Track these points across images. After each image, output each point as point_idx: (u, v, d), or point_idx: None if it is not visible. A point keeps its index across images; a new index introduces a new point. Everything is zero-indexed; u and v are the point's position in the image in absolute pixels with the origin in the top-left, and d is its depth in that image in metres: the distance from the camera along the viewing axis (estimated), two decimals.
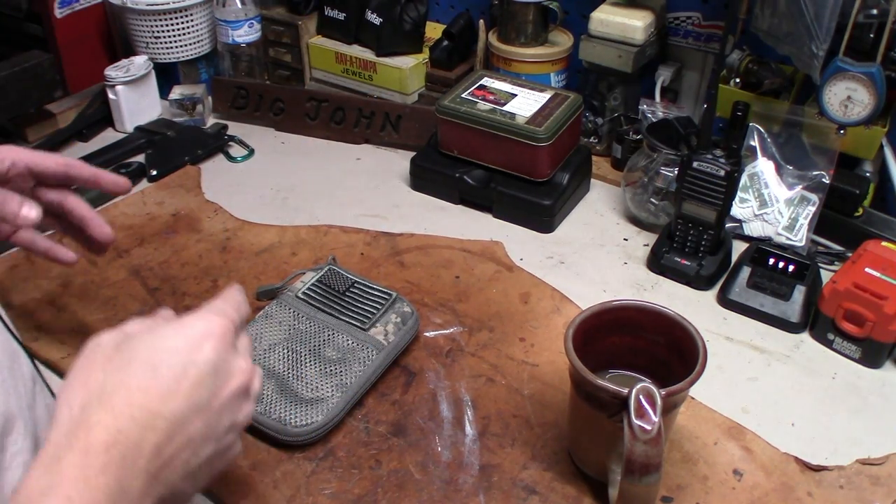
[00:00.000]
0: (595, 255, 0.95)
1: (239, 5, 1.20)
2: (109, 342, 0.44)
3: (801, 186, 0.94)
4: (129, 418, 0.40)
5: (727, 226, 0.94)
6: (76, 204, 0.73)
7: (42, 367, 0.79)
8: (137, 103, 1.18)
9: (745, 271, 0.87)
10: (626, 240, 0.98)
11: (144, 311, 0.84)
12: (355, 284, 0.82)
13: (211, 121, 1.22)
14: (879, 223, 0.93)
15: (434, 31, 1.24)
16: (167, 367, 0.43)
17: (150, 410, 0.41)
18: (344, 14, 1.23)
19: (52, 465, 0.39)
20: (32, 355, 0.59)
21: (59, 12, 1.13)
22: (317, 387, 0.72)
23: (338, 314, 0.79)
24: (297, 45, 1.27)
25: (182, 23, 1.20)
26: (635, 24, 1.01)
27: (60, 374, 0.78)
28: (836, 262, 0.92)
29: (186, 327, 0.45)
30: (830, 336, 0.81)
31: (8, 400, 0.51)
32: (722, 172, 0.84)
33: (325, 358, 0.74)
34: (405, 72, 1.20)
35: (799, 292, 0.84)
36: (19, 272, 0.90)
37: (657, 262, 0.92)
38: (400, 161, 1.12)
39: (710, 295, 0.89)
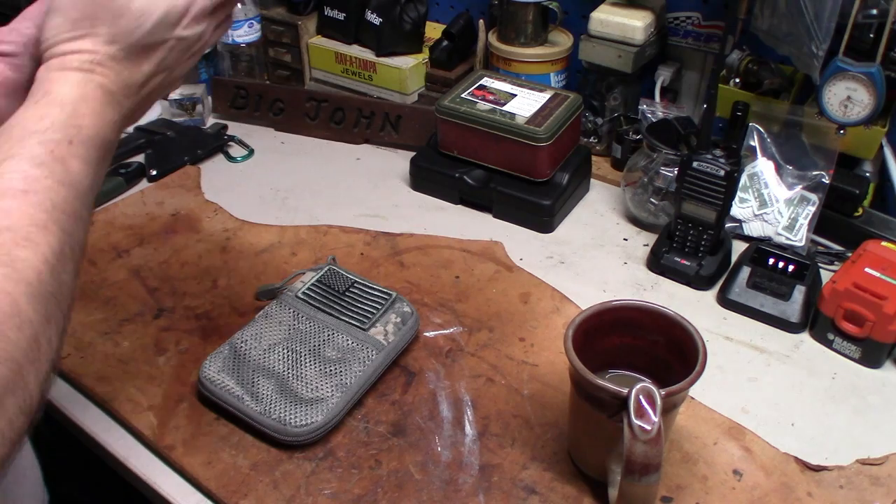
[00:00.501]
0: (595, 255, 0.95)
1: (239, 5, 1.20)
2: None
3: (800, 186, 0.94)
4: (129, 73, 0.53)
5: (727, 226, 0.94)
6: None
7: None
8: None
9: (745, 271, 0.87)
10: (625, 240, 0.98)
11: (144, 311, 0.84)
12: (355, 284, 0.82)
13: (211, 121, 1.22)
14: (879, 223, 0.93)
15: (434, 31, 1.24)
16: (159, 38, 0.53)
17: (139, 70, 0.54)
18: (344, 14, 1.23)
19: (82, 83, 0.50)
20: None
21: None
22: (317, 387, 0.72)
23: (338, 314, 0.79)
24: (296, 45, 1.27)
25: None
26: (635, 24, 1.01)
27: (60, 374, 0.78)
28: (835, 262, 0.92)
29: (179, 2, 0.54)
30: (830, 336, 0.81)
31: None
32: (722, 172, 0.84)
33: (325, 358, 0.74)
34: (405, 72, 1.20)
35: (799, 292, 0.84)
36: None
37: (657, 262, 0.92)
38: (400, 161, 1.12)
39: (710, 295, 0.89)
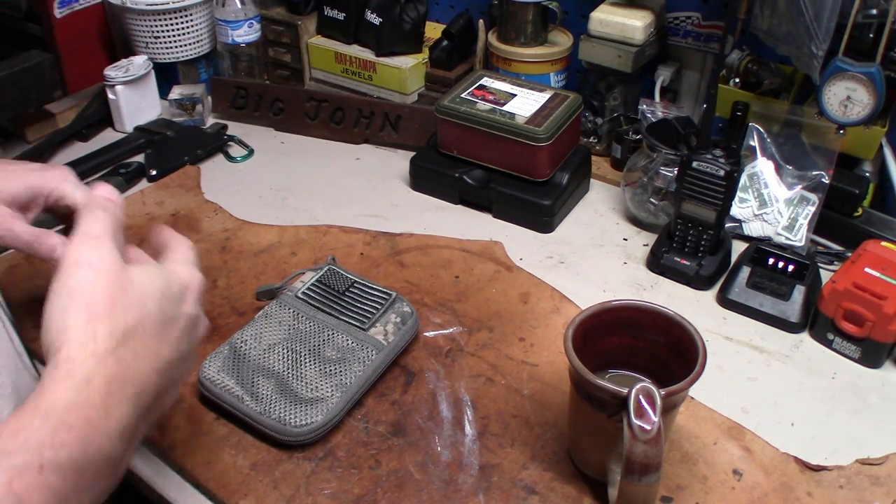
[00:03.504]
0: (595, 255, 0.95)
1: (239, 5, 1.20)
2: (110, 278, 0.47)
3: (800, 186, 0.94)
4: (145, 360, 0.46)
5: (727, 226, 0.94)
6: None
7: None
8: (137, 103, 1.18)
9: (745, 271, 0.87)
10: (625, 240, 0.98)
11: None
12: (355, 284, 0.82)
13: (210, 121, 1.22)
14: (879, 223, 0.93)
15: (434, 31, 1.24)
16: (169, 314, 0.50)
17: (158, 355, 0.48)
18: (343, 14, 1.23)
19: (82, 385, 0.42)
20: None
21: (58, 12, 1.13)
22: (316, 387, 0.72)
23: (337, 314, 0.79)
24: (296, 45, 1.27)
25: (182, 23, 1.20)
26: (635, 24, 1.01)
27: None
28: (835, 262, 0.92)
29: (176, 276, 0.53)
30: (830, 336, 0.81)
31: None
32: (721, 172, 0.84)
33: (325, 358, 0.74)
34: (405, 72, 1.20)
35: (798, 292, 0.84)
36: (19, 272, 0.90)
37: (657, 262, 0.92)
38: (400, 161, 1.12)
39: (710, 295, 0.89)
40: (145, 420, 0.47)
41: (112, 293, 0.45)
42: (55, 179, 0.67)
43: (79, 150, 1.13)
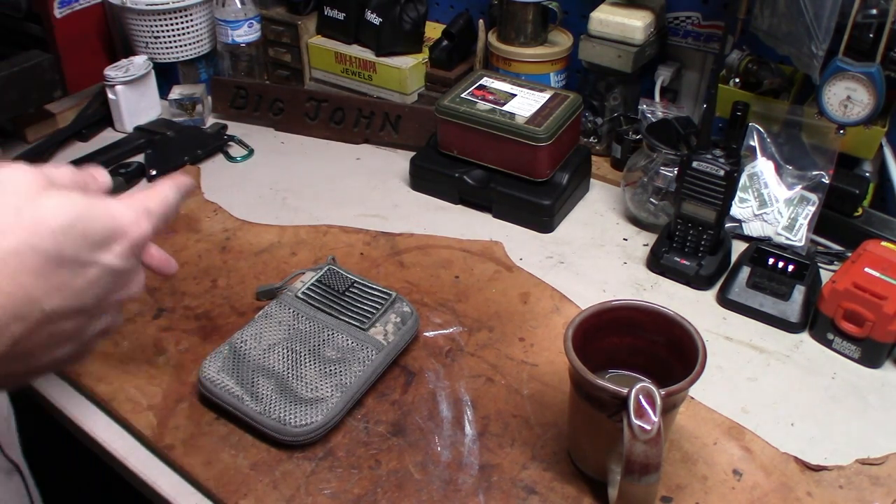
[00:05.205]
0: (595, 255, 0.95)
1: (238, 5, 1.20)
2: (6, 196, 0.38)
3: (800, 186, 0.94)
4: (6, 298, 0.36)
5: (727, 226, 0.94)
6: None
7: None
8: (137, 103, 1.18)
9: (745, 271, 0.87)
10: (625, 240, 0.98)
11: (144, 311, 0.84)
12: (355, 284, 0.82)
13: (210, 121, 1.22)
14: (879, 223, 0.93)
15: (434, 31, 1.24)
16: (72, 255, 0.39)
17: (32, 298, 0.37)
18: (343, 14, 1.23)
19: None
20: None
21: (58, 12, 1.13)
22: (316, 387, 0.72)
23: (337, 314, 0.79)
24: (296, 45, 1.27)
25: (182, 23, 1.20)
26: (635, 24, 1.01)
27: (60, 374, 0.78)
28: (835, 262, 0.92)
29: (107, 216, 0.41)
30: (830, 336, 0.82)
31: None
32: (721, 172, 0.84)
33: (325, 358, 0.74)
34: (405, 72, 1.20)
35: (798, 292, 0.84)
36: None
37: (657, 262, 0.92)
38: (400, 161, 1.12)
39: (710, 295, 0.89)
40: (4, 371, 0.38)
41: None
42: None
43: (79, 150, 1.13)
